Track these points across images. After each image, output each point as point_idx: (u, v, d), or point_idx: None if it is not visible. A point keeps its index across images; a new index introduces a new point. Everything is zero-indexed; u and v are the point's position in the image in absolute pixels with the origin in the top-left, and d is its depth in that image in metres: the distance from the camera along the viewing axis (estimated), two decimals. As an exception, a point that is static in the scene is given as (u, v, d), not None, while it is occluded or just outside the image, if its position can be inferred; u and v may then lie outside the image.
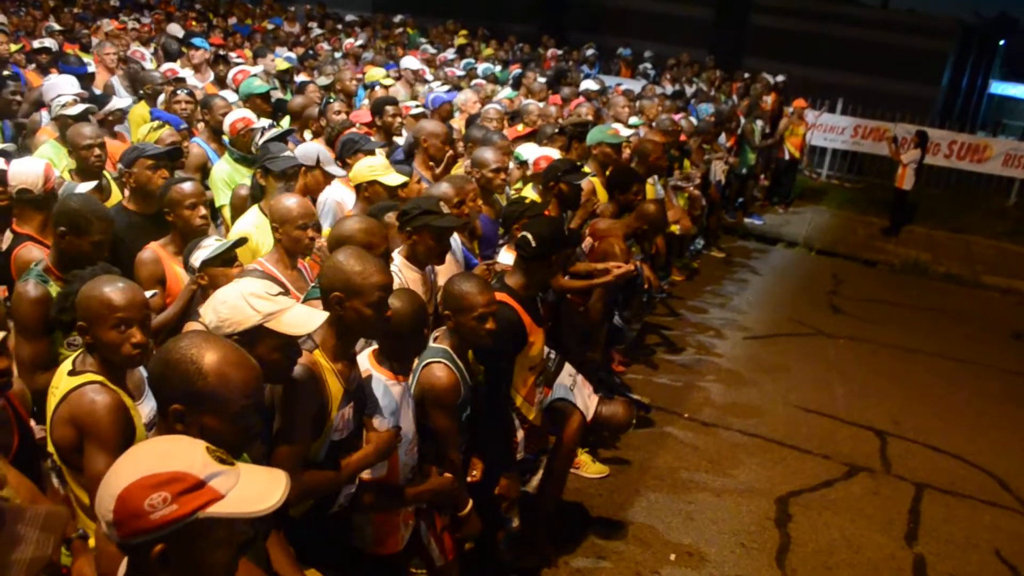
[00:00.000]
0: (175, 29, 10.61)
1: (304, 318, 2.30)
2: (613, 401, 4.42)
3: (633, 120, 7.56)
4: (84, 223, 3.10)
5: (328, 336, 2.51)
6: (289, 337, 2.25)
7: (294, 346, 2.31)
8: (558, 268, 3.73)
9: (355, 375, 2.62)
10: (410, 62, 9.35)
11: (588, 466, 4.98)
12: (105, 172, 4.46)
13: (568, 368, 4.23)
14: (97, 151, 4.29)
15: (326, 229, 4.37)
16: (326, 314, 2.41)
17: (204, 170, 5.26)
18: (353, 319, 2.49)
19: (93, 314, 2.41)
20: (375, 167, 4.19)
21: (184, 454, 1.44)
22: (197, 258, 3.25)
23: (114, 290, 2.44)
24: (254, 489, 1.44)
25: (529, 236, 3.52)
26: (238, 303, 2.25)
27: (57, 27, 9.29)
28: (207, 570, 1.45)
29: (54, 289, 2.98)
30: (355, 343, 2.66)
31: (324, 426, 2.47)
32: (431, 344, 3.09)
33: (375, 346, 2.85)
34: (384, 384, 2.74)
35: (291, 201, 3.52)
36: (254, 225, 4.02)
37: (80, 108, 4.93)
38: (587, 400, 4.21)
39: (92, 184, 3.85)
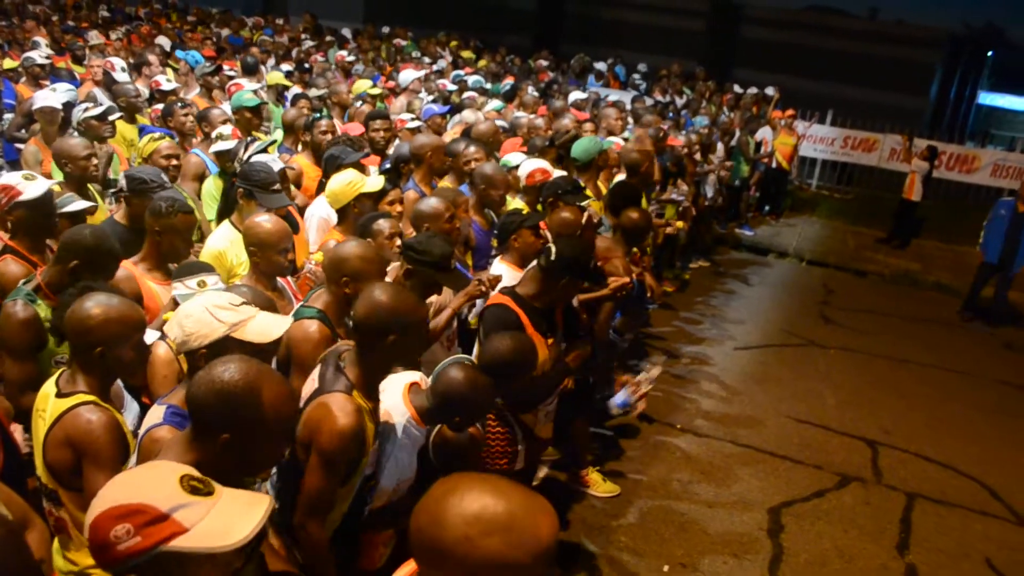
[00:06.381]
0: (164, 42, 10.61)
1: (269, 325, 2.29)
2: None
3: (626, 134, 7.56)
4: (102, 261, 3.04)
5: (363, 375, 2.48)
6: (257, 346, 2.24)
7: (264, 353, 2.28)
8: (568, 293, 3.62)
9: (377, 408, 2.60)
10: (410, 74, 9.32)
11: (599, 485, 4.91)
12: (89, 186, 4.44)
13: None
14: (95, 161, 4.31)
15: (313, 246, 4.36)
16: (289, 319, 2.40)
17: (202, 179, 5.27)
18: (395, 352, 2.49)
19: (113, 335, 2.34)
20: (353, 182, 4.09)
21: (154, 485, 1.41)
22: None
23: (130, 309, 2.42)
24: (224, 521, 1.40)
25: (553, 249, 3.43)
26: (203, 316, 2.24)
27: (42, 40, 9.25)
28: None
29: (43, 309, 2.94)
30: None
31: (359, 466, 2.47)
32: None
33: (411, 379, 2.79)
34: (406, 423, 2.69)
35: (268, 225, 3.38)
36: (228, 240, 3.94)
37: (100, 109, 4.99)
38: None
39: (88, 204, 3.81)
